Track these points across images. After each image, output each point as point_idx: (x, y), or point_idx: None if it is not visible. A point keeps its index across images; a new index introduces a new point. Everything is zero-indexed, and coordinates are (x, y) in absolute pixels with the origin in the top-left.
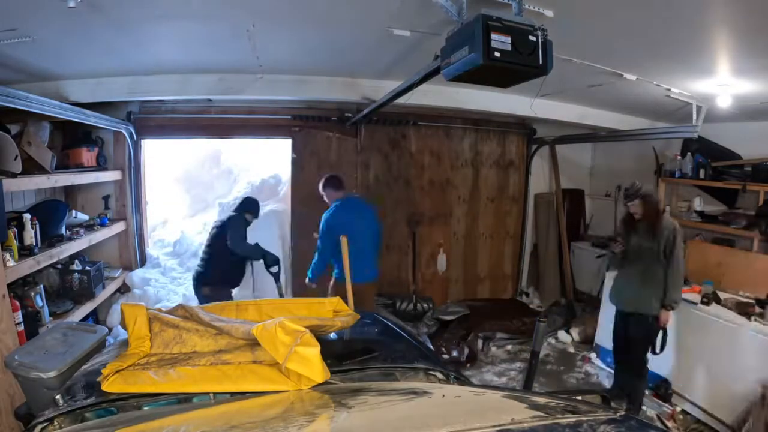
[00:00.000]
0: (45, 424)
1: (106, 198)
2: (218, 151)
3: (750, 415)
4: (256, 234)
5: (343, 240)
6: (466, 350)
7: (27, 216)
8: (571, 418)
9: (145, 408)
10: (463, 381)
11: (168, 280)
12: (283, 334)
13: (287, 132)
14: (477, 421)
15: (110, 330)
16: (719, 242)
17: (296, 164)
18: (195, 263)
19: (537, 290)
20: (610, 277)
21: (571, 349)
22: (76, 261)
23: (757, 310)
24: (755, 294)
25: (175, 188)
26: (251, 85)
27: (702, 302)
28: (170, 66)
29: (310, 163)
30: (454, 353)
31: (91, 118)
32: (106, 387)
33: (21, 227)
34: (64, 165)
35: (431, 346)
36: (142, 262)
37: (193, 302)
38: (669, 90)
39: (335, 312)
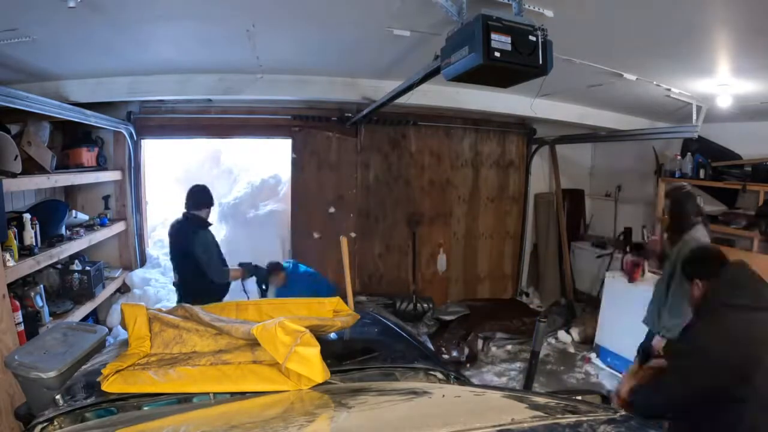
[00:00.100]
0: (45, 424)
1: (106, 198)
2: (218, 151)
3: None
4: (256, 234)
5: (344, 240)
6: (466, 350)
7: (27, 216)
8: (571, 418)
9: (145, 408)
10: (463, 381)
11: (168, 280)
12: (283, 334)
13: (287, 132)
14: (477, 421)
15: (110, 330)
16: (719, 242)
17: (296, 164)
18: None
19: (537, 290)
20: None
21: (571, 349)
22: (76, 261)
23: None
24: None
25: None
26: (251, 85)
27: None
28: (170, 66)
29: (310, 163)
30: (454, 353)
31: (91, 118)
32: (106, 387)
33: (21, 227)
34: (64, 165)
35: (431, 346)
36: (142, 262)
37: None
38: (669, 90)
39: (335, 312)
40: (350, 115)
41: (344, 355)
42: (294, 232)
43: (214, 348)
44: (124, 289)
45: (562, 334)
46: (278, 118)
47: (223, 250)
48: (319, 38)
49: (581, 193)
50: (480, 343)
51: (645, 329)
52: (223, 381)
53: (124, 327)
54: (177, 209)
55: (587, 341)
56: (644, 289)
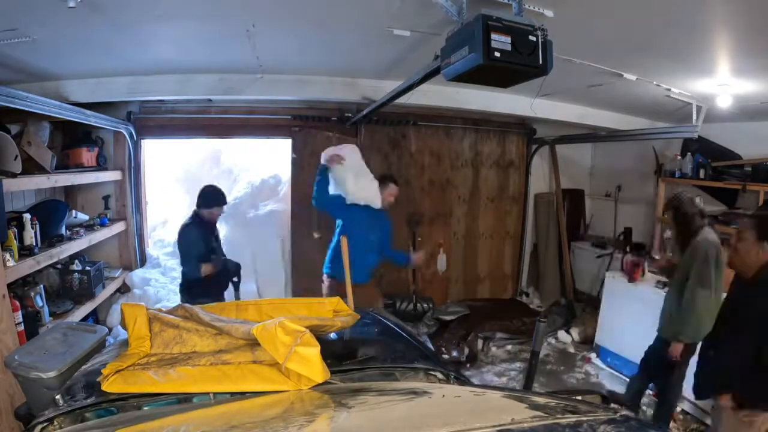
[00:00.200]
0: (45, 424)
1: (106, 198)
2: (218, 151)
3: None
4: (255, 234)
5: (344, 240)
6: (466, 350)
7: (27, 216)
8: (571, 418)
9: (145, 408)
10: (463, 381)
11: (168, 280)
12: (283, 334)
13: (287, 132)
14: (477, 421)
15: (110, 330)
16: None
17: (296, 164)
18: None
19: (537, 290)
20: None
21: (571, 349)
22: (76, 261)
23: None
24: None
25: (175, 188)
26: (251, 85)
27: None
28: (170, 66)
29: (310, 163)
30: (454, 353)
31: (91, 118)
32: (106, 387)
33: (21, 227)
34: (64, 165)
35: (431, 346)
36: (142, 262)
37: None
38: (669, 90)
39: (335, 312)
40: (350, 115)
41: (344, 355)
42: (294, 232)
43: (214, 348)
44: (124, 289)
45: (562, 334)
46: (278, 118)
47: (223, 250)
48: (319, 38)
49: (581, 193)
50: (480, 343)
51: (645, 328)
52: (223, 381)
53: (124, 327)
54: (177, 209)
55: (587, 341)
56: (644, 289)
